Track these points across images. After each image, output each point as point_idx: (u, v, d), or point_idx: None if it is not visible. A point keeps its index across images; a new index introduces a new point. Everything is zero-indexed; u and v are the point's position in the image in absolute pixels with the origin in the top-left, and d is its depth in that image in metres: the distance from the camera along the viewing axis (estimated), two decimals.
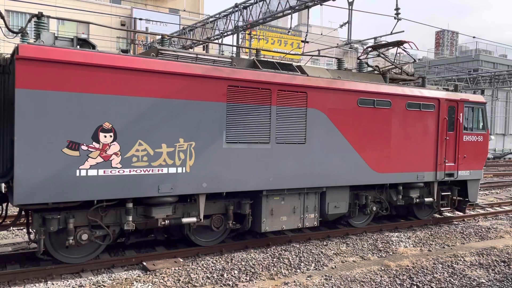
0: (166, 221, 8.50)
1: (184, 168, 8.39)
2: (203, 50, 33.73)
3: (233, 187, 8.99)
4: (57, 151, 7.21)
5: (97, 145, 7.55)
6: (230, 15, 25.98)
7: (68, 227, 7.65)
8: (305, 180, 9.89)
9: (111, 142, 7.67)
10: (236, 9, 25.04)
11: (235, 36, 26.18)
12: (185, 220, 8.71)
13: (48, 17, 8.78)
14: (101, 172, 7.59)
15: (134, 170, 7.89)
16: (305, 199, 10.18)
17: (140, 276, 7.81)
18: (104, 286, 7.32)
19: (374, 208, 11.41)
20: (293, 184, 9.76)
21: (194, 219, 8.79)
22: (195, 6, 45.19)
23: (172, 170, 8.27)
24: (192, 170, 8.47)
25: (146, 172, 8.01)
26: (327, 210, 10.50)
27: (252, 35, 32.13)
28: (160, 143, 8.13)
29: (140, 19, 33.60)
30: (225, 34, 26.68)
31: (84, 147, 7.43)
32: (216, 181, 8.75)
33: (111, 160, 7.68)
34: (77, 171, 7.38)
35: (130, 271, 8.15)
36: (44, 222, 7.52)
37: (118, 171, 7.75)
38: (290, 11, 20.70)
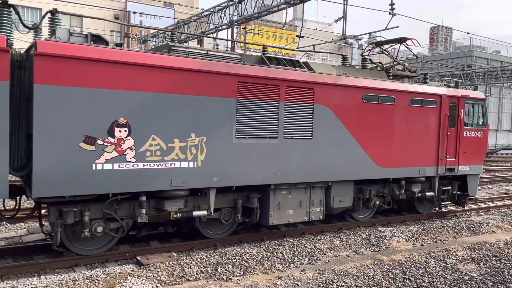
0: (178, 214, 8.66)
1: (195, 162, 8.54)
2: (198, 44, 33.72)
3: (242, 181, 9.16)
4: (74, 145, 7.33)
5: (112, 140, 7.67)
6: (225, 9, 26.03)
7: (84, 219, 7.79)
8: (311, 175, 10.09)
9: (125, 137, 7.80)
10: (231, 3, 25.09)
11: (229, 30, 26.25)
12: (196, 213, 8.88)
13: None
14: (116, 166, 7.73)
15: (147, 164, 8.03)
16: (311, 193, 10.38)
17: (134, 271, 7.81)
18: (98, 280, 7.31)
19: (378, 202, 11.63)
20: (300, 179, 9.95)
21: (204, 212, 8.95)
22: None
23: (184, 164, 8.42)
24: (203, 164, 8.62)
25: (159, 166, 8.15)
26: (332, 204, 10.71)
27: (246, 30, 32.15)
28: (172, 138, 8.27)
29: (134, 12, 33.52)
30: (220, 28, 26.73)
31: (100, 142, 7.56)
32: (226, 175, 8.91)
33: (126, 155, 7.82)
34: (93, 165, 7.52)
35: (124, 265, 8.13)
36: (60, 214, 7.66)
37: (133, 165, 7.89)
38: (285, 5, 20.84)
